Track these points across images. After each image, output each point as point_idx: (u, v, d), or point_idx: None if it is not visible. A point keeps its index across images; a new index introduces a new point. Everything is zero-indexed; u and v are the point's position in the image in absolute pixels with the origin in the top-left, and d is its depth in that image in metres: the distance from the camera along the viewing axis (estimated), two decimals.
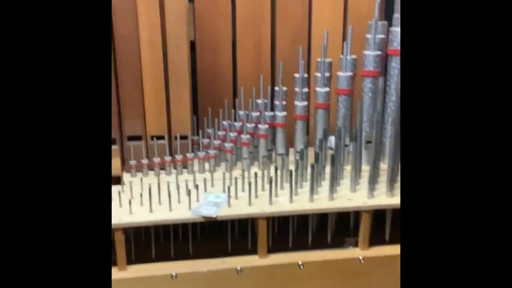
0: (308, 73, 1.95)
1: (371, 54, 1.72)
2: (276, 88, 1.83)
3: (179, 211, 1.55)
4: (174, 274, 1.54)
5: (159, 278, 1.54)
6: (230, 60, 1.96)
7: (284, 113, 1.80)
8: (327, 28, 1.83)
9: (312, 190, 1.61)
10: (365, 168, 1.75)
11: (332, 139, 1.87)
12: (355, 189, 1.68)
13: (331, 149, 1.80)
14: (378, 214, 1.65)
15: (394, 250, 1.63)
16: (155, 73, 1.75)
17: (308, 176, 1.66)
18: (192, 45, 1.93)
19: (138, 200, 1.59)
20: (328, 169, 1.68)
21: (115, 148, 1.76)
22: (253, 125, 1.83)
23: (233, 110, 1.86)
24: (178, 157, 1.78)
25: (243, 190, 1.65)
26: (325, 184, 1.69)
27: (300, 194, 1.65)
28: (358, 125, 1.69)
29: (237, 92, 1.93)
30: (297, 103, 1.79)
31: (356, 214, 1.68)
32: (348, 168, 1.74)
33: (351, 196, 1.65)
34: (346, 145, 1.78)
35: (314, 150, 1.78)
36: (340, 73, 1.76)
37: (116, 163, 1.76)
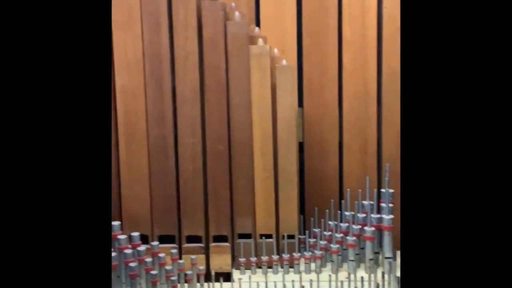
0: None
1: None
2: (383, 190, 1.85)
3: None
4: None
5: None
6: (337, 162, 2.04)
7: (391, 216, 1.81)
8: None
9: None
10: None
11: None
12: None
13: None
14: None
15: None
16: (266, 175, 1.87)
17: None
18: (300, 146, 2.04)
19: None
20: None
21: (226, 245, 1.87)
22: (359, 227, 1.84)
23: (339, 211, 1.90)
24: (285, 256, 1.84)
25: None
26: None
27: None
28: None
29: (343, 193, 1.98)
30: None
31: None
32: None
33: None
34: None
35: None
36: None
37: (226, 259, 1.86)
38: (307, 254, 1.85)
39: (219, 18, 1.81)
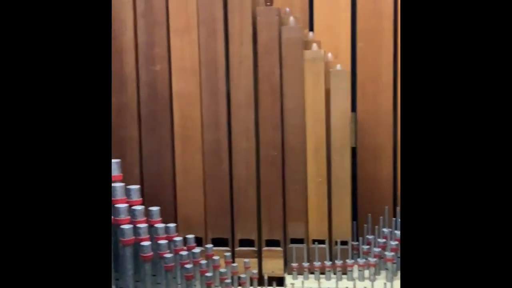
0: None
1: None
2: None
3: None
4: None
5: None
6: (391, 168, 2.01)
7: None
8: None
9: None
10: None
11: None
12: None
13: None
14: None
15: None
16: (319, 180, 1.86)
17: None
18: (353, 151, 2.02)
19: None
20: None
21: (278, 249, 1.88)
22: None
23: (393, 218, 1.87)
24: (338, 262, 1.82)
25: None
26: None
27: None
28: None
29: (397, 199, 1.95)
30: None
31: None
32: None
33: None
34: None
35: None
36: None
37: (279, 264, 1.86)
38: (361, 261, 1.83)
39: (273, 23, 1.83)
